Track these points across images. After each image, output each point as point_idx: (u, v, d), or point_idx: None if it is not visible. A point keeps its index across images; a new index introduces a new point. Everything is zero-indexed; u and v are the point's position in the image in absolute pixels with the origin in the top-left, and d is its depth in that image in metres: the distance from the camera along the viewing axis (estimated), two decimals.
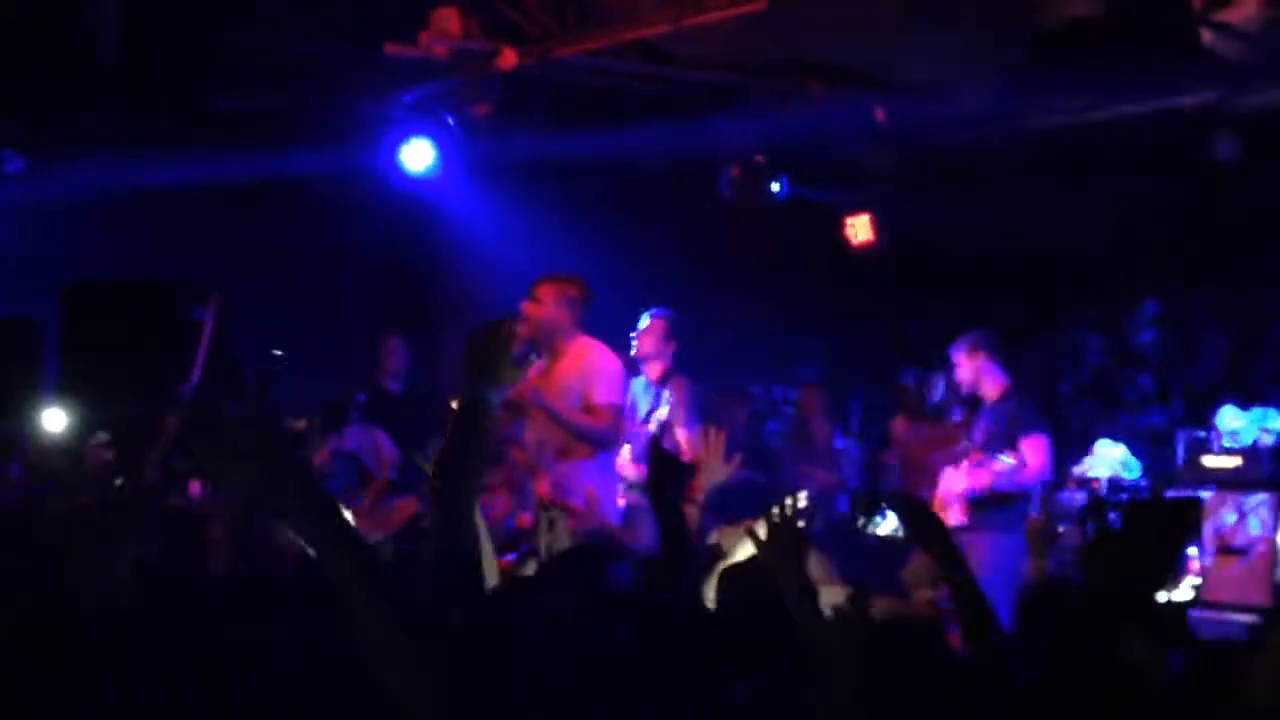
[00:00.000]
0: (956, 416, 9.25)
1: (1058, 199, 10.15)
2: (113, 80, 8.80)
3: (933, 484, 8.35)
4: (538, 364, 7.84)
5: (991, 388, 8.39)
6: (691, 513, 4.67)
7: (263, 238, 10.64)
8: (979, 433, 8.33)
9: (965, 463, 8.25)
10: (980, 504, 8.04)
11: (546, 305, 7.89)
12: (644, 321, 9.08)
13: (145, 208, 9.78)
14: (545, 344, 7.85)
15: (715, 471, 4.94)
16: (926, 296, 11.54)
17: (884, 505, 4.01)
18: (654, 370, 9.01)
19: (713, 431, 5.03)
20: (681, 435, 8.95)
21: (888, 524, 4.11)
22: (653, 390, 8.94)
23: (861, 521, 4.04)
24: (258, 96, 9.48)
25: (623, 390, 7.93)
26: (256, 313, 9.48)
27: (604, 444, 7.78)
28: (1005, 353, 8.49)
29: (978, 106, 9.32)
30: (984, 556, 7.62)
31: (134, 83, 8.96)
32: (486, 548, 4.41)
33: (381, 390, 9.90)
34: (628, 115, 9.66)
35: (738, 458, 5.16)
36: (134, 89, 9.03)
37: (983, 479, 8.07)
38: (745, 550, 4.50)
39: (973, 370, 8.41)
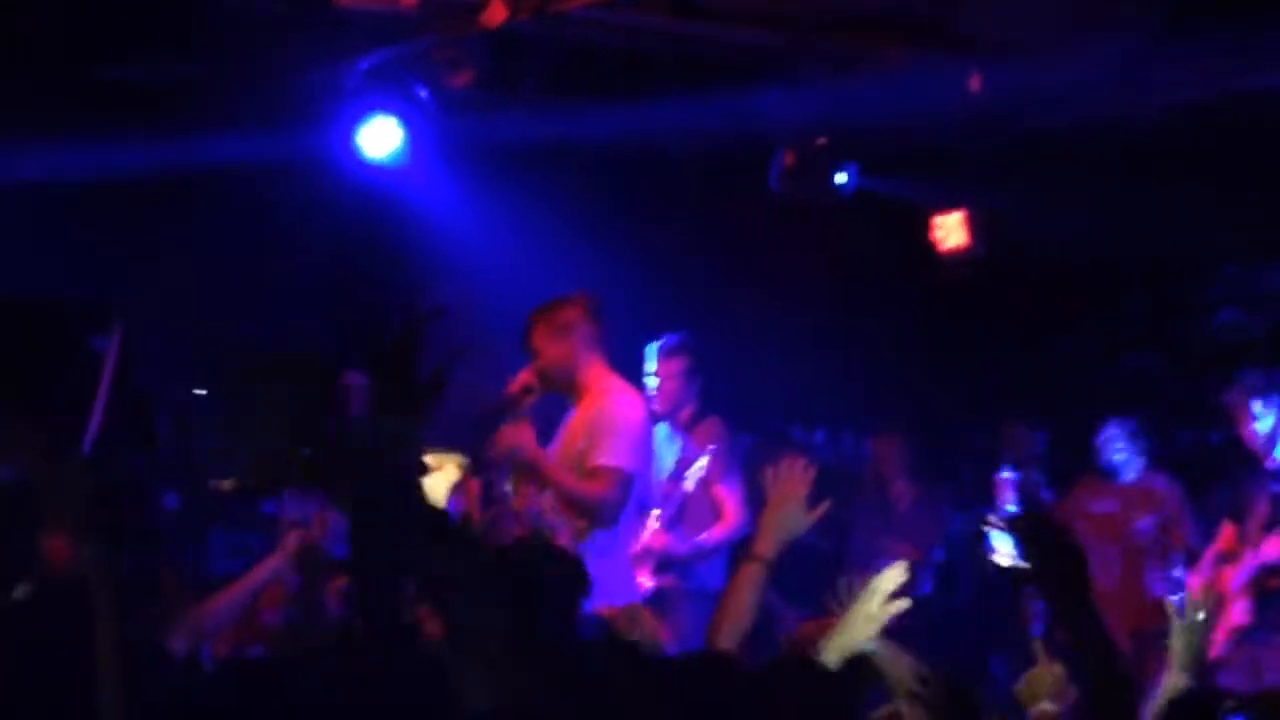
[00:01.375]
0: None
1: (1200, 191, 10.12)
2: None
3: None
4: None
5: None
6: (756, 573, 4.63)
7: (179, 245, 10.57)
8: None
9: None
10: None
11: (544, 348, 7.96)
12: (655, 357, 9.08)
13: (23, 208, 9.70)
14: (567, 389, 7.98)
15: (791, 520, 4.86)
16: (1035, 313, 11.50)
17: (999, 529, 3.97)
18: (682, 415, 9.16)
19: (794, 464, 4.95)
20: (721, 494, 8.95)
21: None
22: (678, 439, 8.94)
23: (991, 551, 3.99)
24: (168, 63, 9.41)
25: (637, 452, 7.87)
26: (172, 340, 9.40)
27: (600, 517, 7.73)
28: None
29: (1100, 75, 9.26)
30: None
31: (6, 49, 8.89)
32: None
33: None
34: (649, 86, 9.64)
35: (824, 505, 5.07)
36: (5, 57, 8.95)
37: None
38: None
39: None
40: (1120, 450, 9.90)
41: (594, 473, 7.74)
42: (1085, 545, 8.80)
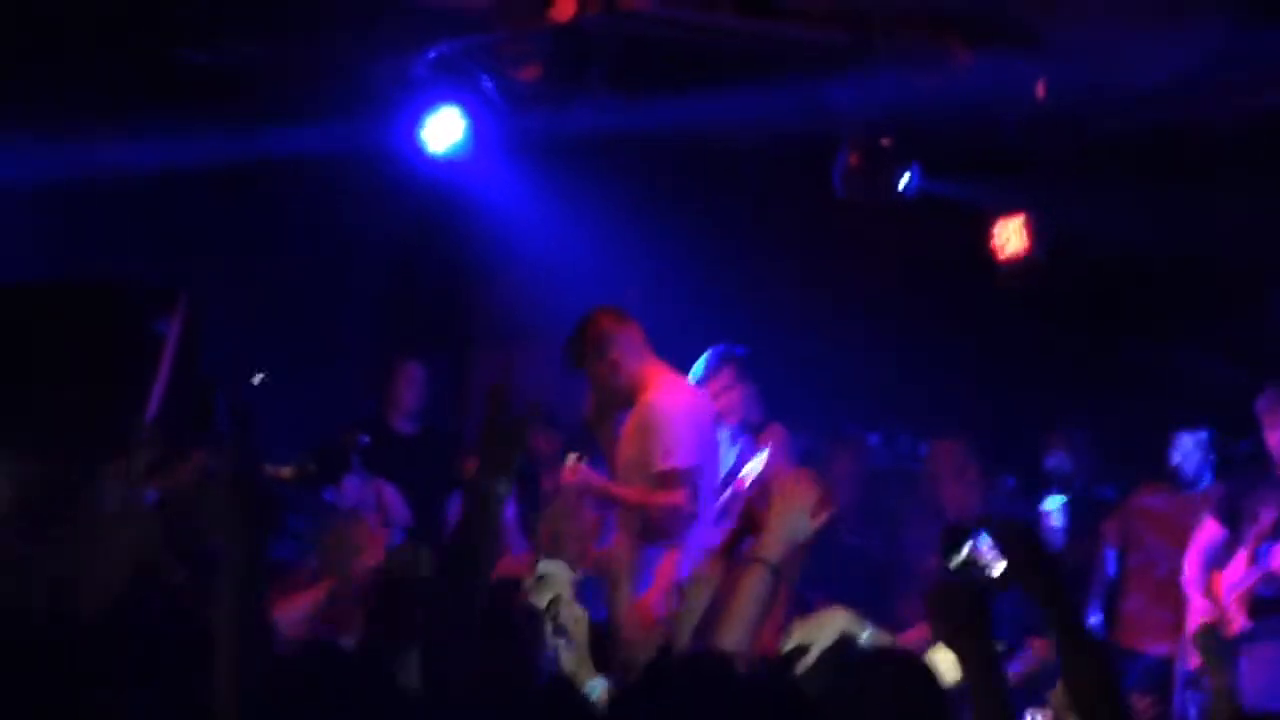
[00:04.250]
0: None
1: (1272, 198, 10.04)
2: (50, 31, 8.80)
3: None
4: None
5: None
6: (758, 574, 4.61)
7: (244, 231, 10.67)
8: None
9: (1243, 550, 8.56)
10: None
11: (594, 370, 7.99)
12: (702, 368, 9.11)
13: (90, 192, 9.78)
14: (627, 402, 7.98)
15: (794, 522, 4.79)
16: (1098, 322, 11.43)
17: (972, 534, 4.00)
18: (734, 420, 9.14)
19: (798, 473, 4.92)
20: None
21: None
22: (739, 442, 8.95)
23: (950, 558, 4.00)
24: (237, 51, 9.48)
25: (691, 443, 7.86)
26: (234, 326, 9.49)
27: (675, 522, 7.78)
28: None
29: (1169, 79, 9.22)
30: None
31: (77, 33, 8.97)
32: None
33: (391, 431, 9.92)
34: (714, 81, 9.65)
35: (826, 511, 5.01)
36: (77, 42, 9.03)
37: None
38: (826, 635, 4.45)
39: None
40: (1191, 460, 9.90)
41: (660, 480, 7.76)
42: (1145, 540, 8.91)
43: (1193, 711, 9.07)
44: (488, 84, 9.78)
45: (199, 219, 10.40)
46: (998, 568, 4.08)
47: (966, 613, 4.04)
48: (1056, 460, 10.14)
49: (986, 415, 9.03)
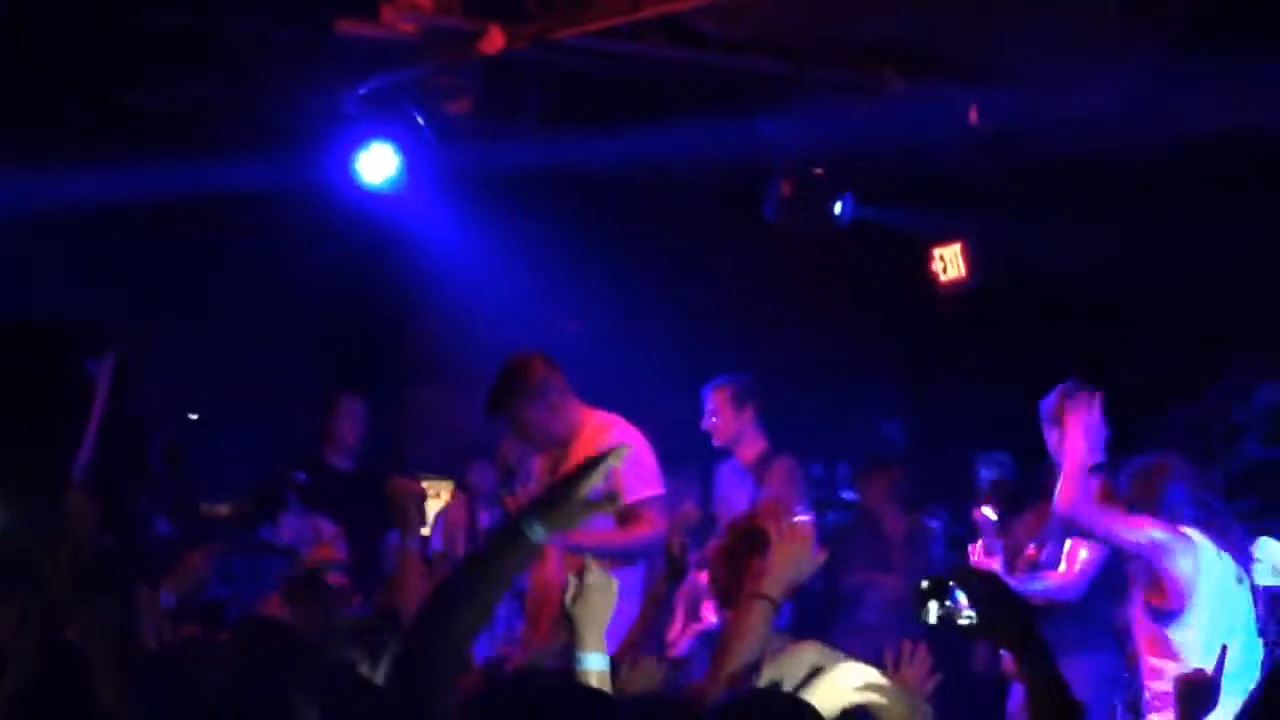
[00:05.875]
0: None
1: (1208, 225, 10.11)
2: None
3: None
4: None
5: None
6: (761, 611, 4.83)
7: (177, 268, 10.66)
8: None
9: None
10: None
11: (523, 416, 7.89)
12: (708, 396, 9.23)
13: (24, 230, 9.77)
14: (559, 444, 7.90)
15: (796, 561, 4.94)
16: (1035, 349, 11.48)
17: (949, 585, 4.07)
18: (747, 452, 9.28)
19: (795, 514, 5.03)
20: None
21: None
22: (749, 478, 9.04)
23: (927, 610, 4.05)
24: (175, 89, 9.49)
25: (656, 474, 7.84)
26: (168, 364, 9.49)
27: (650, 553, 7.63)
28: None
29: (1104, 105, 9.28)
30: None
31: (18, 72, 8.96)
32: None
33: (328, 468, 9.89)
34: (648, 114, 9.69)
35: (824, 552, 5.18)
36: (18, 80, 9.02)
37: None
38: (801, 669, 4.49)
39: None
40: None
41: (631, 513, 7.64)
42: None
43: None
44: (419, 118, 9.79)
45: (136, 256, 10.41)
46: (971, 619, 4.13)
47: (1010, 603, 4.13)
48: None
49: (926, 443, 9.07)
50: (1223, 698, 6.35)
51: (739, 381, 9.41)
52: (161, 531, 8.01)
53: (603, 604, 4.60)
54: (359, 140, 9.89)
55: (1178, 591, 7.16)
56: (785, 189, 10.15)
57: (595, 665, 4.52)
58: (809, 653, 4.67)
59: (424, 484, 9.27)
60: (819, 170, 10.15)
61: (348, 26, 8.90)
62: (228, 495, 8.91)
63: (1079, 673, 8.05)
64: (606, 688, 4.40)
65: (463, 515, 8.01)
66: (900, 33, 9.18)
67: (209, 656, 5.07)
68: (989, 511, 8.87)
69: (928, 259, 10.87)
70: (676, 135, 9.78)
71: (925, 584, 4.23)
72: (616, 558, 7.38)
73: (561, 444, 7.89)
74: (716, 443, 9.28)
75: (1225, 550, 8.00)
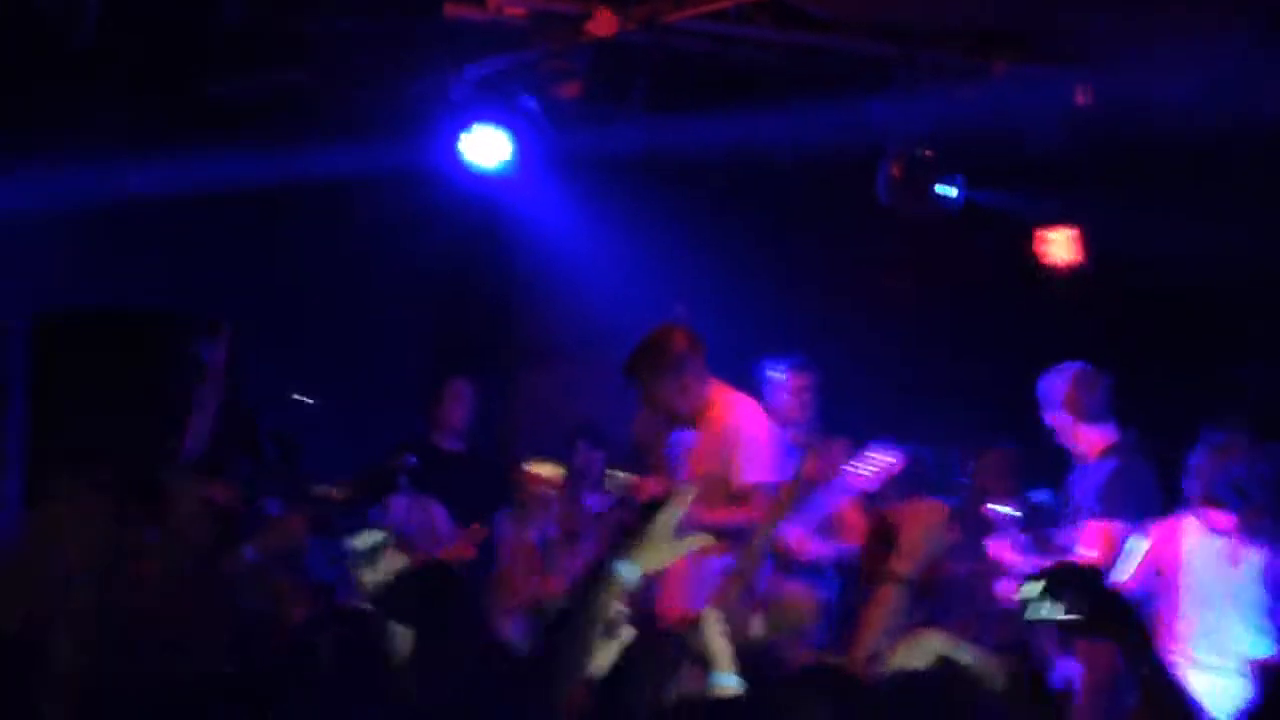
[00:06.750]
0: None
1: None
2: (88, 66, 8.88)
3: None
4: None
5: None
6: (896, 592, 5.00)
7: (286, 257, 10.75)
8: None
9: None
10: None
11: (656, 387, 7.95)
12: (785, 372, 9.18)
13: (134, 221, 9.90)
14: (688, 420, 7.98)
15: (929, 541, 5.07)
16: (1147, 335, 11.40)
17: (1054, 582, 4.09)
18: (797, 434, 9.16)
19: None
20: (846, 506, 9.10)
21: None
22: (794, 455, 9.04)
23: (1032, 607, 4.08)
24: (279, 77, 9.55)
25: (776, 461, 7.91)
26: (278, 350, 9.58)
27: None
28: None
29: (1213, 86, 9.21)
30: None
31: (114, 68, 9.06)
32: None
33: (438, 450, 9.98)
34: (756, 97, 9.72)
35: (955, 531, 5.31)
36: (114, 76, 9.12)
37: None
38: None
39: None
40: None
41: (743, 494, 7.72)
42: None
43: None
44: (529, 102, 9.81)
45: (243, 245, 10.48)
46: (1077, 616, 4.14)
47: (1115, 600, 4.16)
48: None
49: (1033, 427, 9.00)
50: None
51: (815, 372, 9.41)
52: (272, 512, 8.09)
53: (718, 632, 4.65)
54: (468, 125, 9.90)
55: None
56: (895, 172, 10.11)
57: (728, 684, 4.56)
58: (934, 641, 4.69)
59: (538, 465, 9.40)
60: (928, 153, 10.11)
61: (455, 10, 8.95)
62: (338, 479, 8.98)
63: None
64: None
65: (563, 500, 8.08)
66: (1007, 15, 9.16)
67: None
68: (999, 506, 8.86)
69: (1036, 242, 10.83)
70: (784, 118, 9.81)
71: (1029, 582, 4.25)
72: (717, 533, 7.45)
73: (685, 420, 7.94)
74: (791, 419, 9.18)
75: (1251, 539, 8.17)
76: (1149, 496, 8.54)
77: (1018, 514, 8.52)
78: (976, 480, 10.27)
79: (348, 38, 9.28)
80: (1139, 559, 8.32)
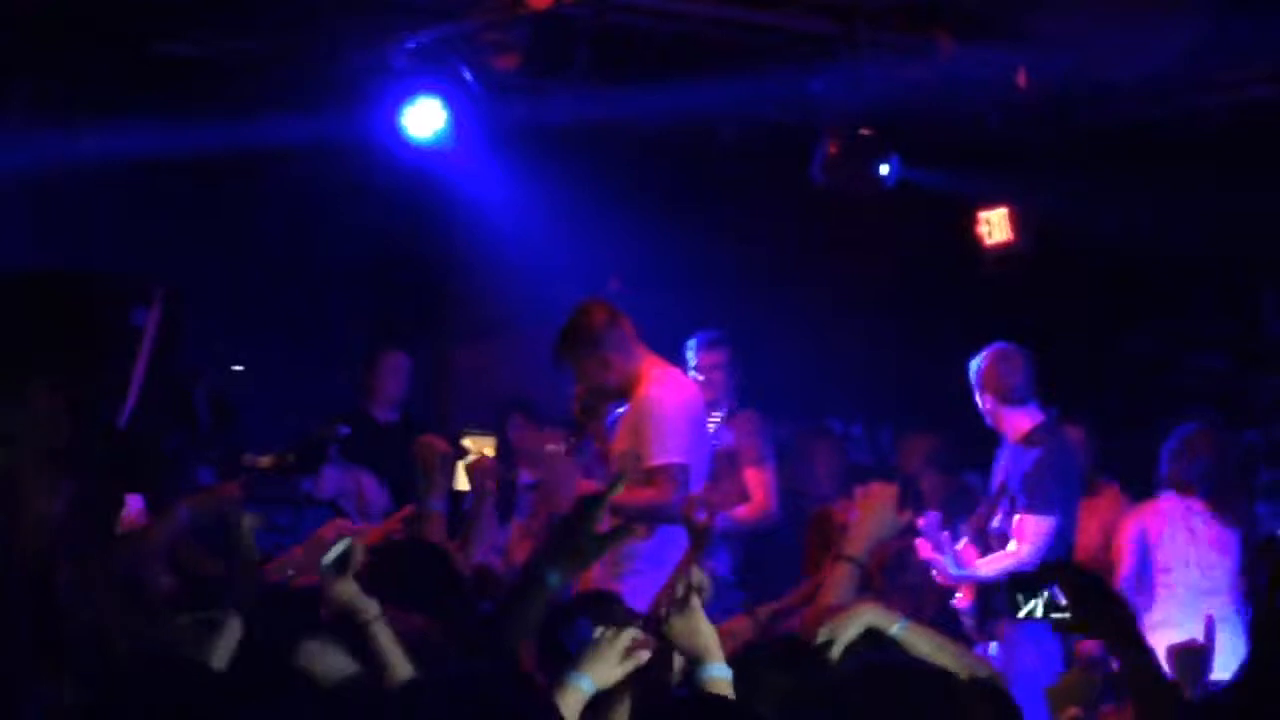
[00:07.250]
0: None
1: (1255, 188, 10.06)
2: (29, 23, 8.82)
3: None
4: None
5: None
6: (847, 572, 5.01)
7: (222, 222, 10.72)
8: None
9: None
10: None
11: (581, 367, 7.91)
12: (696, 350, 9.20)
13: (68, 184, 9.83)
14: (620, 396, 7.93)
15: (879, 522, 5.07)
16: (1083, 310, 11.47)
17: (1041, 580, 4.12)
18: (715, 402, 9.20)
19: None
20: (752, 478, 9.04)
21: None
22: (717, 430, 9.05)
23: (1017, 603, 4.09)
24: (215, 43, 9.51)
25: (685, 439, 7.79)
26: (212, 317, 9.53)
27: (661, 520, 7.57)
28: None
29: (1151, 69, 9.25)
30: None
31: (57, 26, 8.99)
32: None
33: (371, 421, 9.96)
34: (695, 71, 9.69)
35: (909, 513, 5.35)
36: (57, 34, 9.05)
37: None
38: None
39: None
40: None
41: (649, 476, 7.64)
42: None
43: None
44: (467, 73, 9.79)
45: (178, 211, 10.44)
46: (1066, 614, 4.16)
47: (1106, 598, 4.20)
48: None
49: (967, 408, 9.03)
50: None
51: (731, 346, 9.42)
52: (204, 481, 8.05)
53: (699, 617, 4.57)
54: (405, 95, 9.88)
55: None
56: (831, 149, 10.12)
57: (719, 674, 4.46)
58: (866, 613, 4.68)
59: (467, 440, 9.36)
60: (866, 131, 10.11)
61: None
62: (270, 448, 8.94)
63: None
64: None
65: (493, 473, 7.99)
66: None
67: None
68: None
69: (973, 222, 10.86)
70: (724, 93, 9.80)
71: (1015, 578, 4.29)
72: (627, 515, 7.39)
73: (618, 395, 7.93)
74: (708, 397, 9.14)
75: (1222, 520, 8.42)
76: (1072, 479, 8.62)
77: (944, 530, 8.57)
78: (903, 462, 10.32)
79: (290, 3, 9.23)
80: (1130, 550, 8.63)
